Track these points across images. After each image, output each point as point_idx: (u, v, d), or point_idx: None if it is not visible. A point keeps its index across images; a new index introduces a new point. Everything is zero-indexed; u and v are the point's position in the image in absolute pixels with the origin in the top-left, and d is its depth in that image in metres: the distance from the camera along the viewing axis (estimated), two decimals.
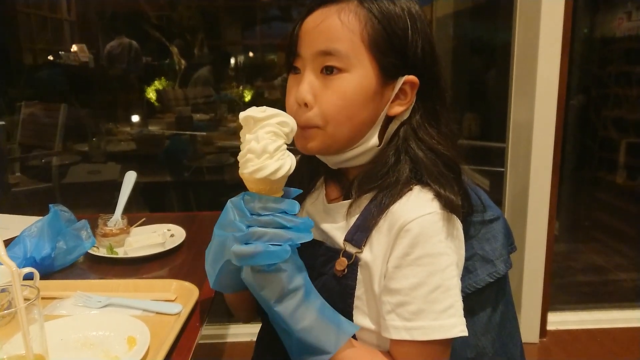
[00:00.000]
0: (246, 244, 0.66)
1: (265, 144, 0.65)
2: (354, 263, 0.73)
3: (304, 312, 0.68)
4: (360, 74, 0.71)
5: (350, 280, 0.73)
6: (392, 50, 0.72)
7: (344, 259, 0.74)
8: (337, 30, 0.70)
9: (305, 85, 0.73)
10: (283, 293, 0.68)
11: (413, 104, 0.75)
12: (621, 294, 2.56)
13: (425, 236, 0.69)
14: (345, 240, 0.75)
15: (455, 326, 0.69)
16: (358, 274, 0.73)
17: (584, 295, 2.52)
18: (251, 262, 0.66)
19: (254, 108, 0.68)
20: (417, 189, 0.73)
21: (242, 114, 0.67)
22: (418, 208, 0.70)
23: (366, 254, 0.73)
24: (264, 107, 0.68)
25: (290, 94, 0.76)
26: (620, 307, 2.27)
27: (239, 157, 0.68)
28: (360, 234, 0.74)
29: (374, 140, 0.76)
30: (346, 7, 0.71)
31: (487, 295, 0.82)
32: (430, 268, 0.69)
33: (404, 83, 0.73)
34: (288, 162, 0.67)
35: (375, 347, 0.75)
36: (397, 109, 0.75)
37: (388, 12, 0.71)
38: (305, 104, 0.73)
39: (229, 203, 0.71)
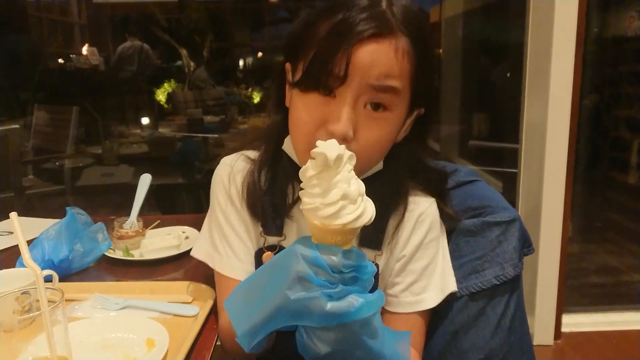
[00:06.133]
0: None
1: (358, 185, 0.54)
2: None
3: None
4: (399, 114, 0.72)
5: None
6: (425, 91, 0.74)
7: None
8: (393, 68, 0.68)
9: (348, 120, 0.68)
10: (379, 330, 0.61)
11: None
12: (635, 295, 2.54)
13: (434, 222, 0.80)
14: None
15: (450, 284, 0.80)
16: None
17: (597, 297, 2.50)
18: (347, 319, 0.57)
19: (333, 143, 0.55)
20: (411, 190, 0.81)
21: (328, 154, 0.54)
22: (423, 201, 0.80)
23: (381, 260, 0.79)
24: (333, 139, 0.56)
25: (310, 113, 0.70)
26: (634, 308, 2.24)
27: (324, 205, 0.54)
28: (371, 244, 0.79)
29: (380, 164, 0.79)
30: (401, 47, 0.68)
31: (498, 297, 0.82)
32: (437, 249, 0.80)
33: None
34: (370, 203, 0.56)
35: None
36: (401, 135, 0.78)
37: (431, 55, 0.74)
38: (344, 138, 0.67)
39: (297, 257, 0.57)
